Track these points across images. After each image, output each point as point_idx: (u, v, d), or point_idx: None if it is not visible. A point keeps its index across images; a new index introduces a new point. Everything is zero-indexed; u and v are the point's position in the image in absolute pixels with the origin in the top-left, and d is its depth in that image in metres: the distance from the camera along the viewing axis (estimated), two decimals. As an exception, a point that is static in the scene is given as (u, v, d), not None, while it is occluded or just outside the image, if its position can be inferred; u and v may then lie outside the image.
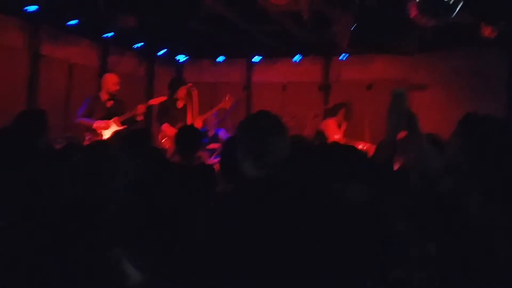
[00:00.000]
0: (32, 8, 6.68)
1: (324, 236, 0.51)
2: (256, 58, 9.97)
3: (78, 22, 7.34)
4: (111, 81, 6.98)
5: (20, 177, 2.45)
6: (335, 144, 2.00)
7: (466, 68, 8.49)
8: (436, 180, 2.01)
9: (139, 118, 6.96)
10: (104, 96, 6.96)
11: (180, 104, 7.48)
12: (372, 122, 9.36)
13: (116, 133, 6.80)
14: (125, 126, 6.81)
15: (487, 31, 6.13)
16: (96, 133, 6.78)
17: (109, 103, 6.96)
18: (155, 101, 7.46)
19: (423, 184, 2.09)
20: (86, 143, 6.65)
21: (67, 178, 1.80)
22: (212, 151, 7.65)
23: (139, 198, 1.84)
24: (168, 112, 7.32)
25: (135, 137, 3.92)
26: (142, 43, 8.94)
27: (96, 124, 6.77)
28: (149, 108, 7.82)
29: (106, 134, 6.77)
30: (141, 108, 6.97)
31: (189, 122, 7.26)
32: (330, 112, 8.16)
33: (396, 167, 2.80)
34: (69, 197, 1.74)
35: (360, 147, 6.74)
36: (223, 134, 7.92)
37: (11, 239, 1.59)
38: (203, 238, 2.00)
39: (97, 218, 1.61)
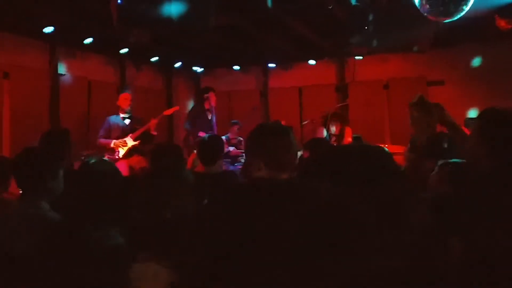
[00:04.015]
0: (48, 29, 6.80)
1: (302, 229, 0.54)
2: (271, 65, 10.01)
3: (93, 39, 7.46)
4: (122, 98, 7.02)
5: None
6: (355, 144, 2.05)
7: (483, 62, 8.42)
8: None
9: (153, 132, 7.00)
10: (121, 114, 7.02)
11: (209, 115, 7.61)
12: (390, 120, 9.35)
13: (130, 150, 6.86)
14: (138, 142, 6.85)
15: (502, 23, 6.07)
16: (113, 151, 6.85)
17: (127, 121, 7.02)
18: (168, 112, 7.53)
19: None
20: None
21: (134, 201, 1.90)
22: (233, 158, 7.72)
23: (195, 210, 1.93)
24: (198, 120, 7.46)
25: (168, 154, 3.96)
26: (158, 57, 9.03)
27: (114, 143, 6.85)
28: (170, 118, 7.89)
29: (122, 151, 6.84)
30: (153, 122, 7.00)
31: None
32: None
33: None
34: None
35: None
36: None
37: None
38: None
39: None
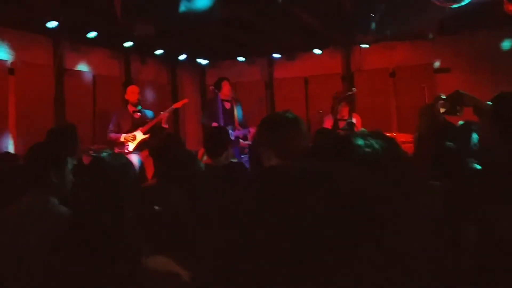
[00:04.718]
0: (52, 24, 6.77)
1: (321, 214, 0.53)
2: (276, 55, 9.95)
3: (97, 33, 7.42)
4: (130, 92, 7.09)
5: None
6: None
7: (490, 49, 8.32)
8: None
9: (164, 125, 7.01)
10: (130, 108, 7.05)
11: (227, 105, 7.57)
12: (397, 109, 9.28)
13: (140, 144, 6.87)
14: (148, 135, 6.86)
15: (510, 8, 5.98)
16: (123, 145, 6.86)
17: (137, 115, 7.04)
18: (178, 105, 7.52)
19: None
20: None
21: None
22: (241, 149, 7.70)
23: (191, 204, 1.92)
24: (214, 113, 7.44)
25: (163, 148, 3.95)
26: (162, 50, 9.00)
27: (124, 137, 6.85)
28: (176, 111, 7.90)
29: (131, 145, 6.84)
30: (164, 116, 7.02)
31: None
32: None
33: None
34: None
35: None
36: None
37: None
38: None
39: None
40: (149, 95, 9.01)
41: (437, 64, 8.84)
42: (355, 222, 0.58)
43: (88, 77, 8.24)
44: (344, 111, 7.41)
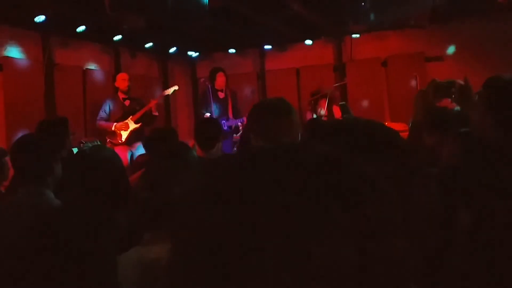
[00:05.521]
0: (40, 18, 6.68)
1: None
2: (267, 47, 9.90)
3: (86, 27, 7.34)
4: (120, 79, 7.10)
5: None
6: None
7: (482, 36, 8.30)
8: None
9: (155, 113, 6.99)
10: (120, 96, 7.02)
11: (221, 95, 7.60)
12: (390, 98, 9.27)
13: (132, 133, 6.84)
14: (140, 124, 6.84)
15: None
16: (115, 135, 6.82)
17: (127, 102, 7.01)
18: (168, 91, 7.53)
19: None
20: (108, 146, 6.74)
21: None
22: (234, 143, 7.69)
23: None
24: (208, 103, 7.44)
25: (159, 139, 3.92)
26: (152, 43, 8.92)
27: (115, 126, 6.81)
28: (167, 103, 7.92)
29: (124, 135, 6.81)
30: (153, 103, 7.01)
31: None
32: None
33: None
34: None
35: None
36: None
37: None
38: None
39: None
40: (140, 88, 8.94)
41: (451, 50, 8.76)
42: (329, 200, 0.55)
43: (78, 71, 8.17)
44: (321, 104, 7.45)
